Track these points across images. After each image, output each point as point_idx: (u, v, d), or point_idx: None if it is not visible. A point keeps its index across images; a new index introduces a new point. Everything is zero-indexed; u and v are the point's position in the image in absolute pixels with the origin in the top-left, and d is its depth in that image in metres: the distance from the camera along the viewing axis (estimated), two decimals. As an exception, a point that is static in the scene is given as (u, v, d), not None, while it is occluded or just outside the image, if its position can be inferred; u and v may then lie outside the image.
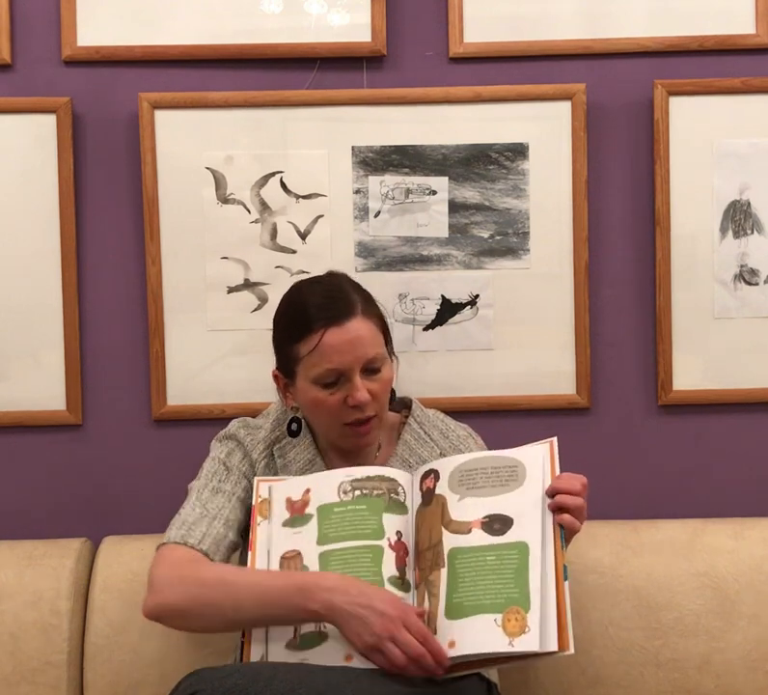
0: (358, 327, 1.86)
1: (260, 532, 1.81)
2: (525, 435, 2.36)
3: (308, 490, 1.82)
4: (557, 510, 1.70)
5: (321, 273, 2.00)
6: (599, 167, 2.34)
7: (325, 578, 1.71)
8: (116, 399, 2.35)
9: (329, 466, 1.95)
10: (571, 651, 1.61)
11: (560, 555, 1.67)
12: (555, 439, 1.80)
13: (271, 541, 1.80)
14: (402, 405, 2.04)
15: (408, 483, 1.83)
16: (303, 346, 1.85)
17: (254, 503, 1.84)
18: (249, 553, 1.80)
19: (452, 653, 1.64)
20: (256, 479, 1.88)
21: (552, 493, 1.72)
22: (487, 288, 2.35)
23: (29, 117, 2.30)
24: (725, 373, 2.36)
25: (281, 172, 2.33)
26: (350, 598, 1.66)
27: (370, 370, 1.87)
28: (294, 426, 1.97)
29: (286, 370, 1.91)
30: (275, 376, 1.95)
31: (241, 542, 1.89)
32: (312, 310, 1.86)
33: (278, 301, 1.97)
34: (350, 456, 1.96)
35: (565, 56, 2.33)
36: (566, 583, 1.65)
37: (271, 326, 1.96)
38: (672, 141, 2.32)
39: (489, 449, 2.04)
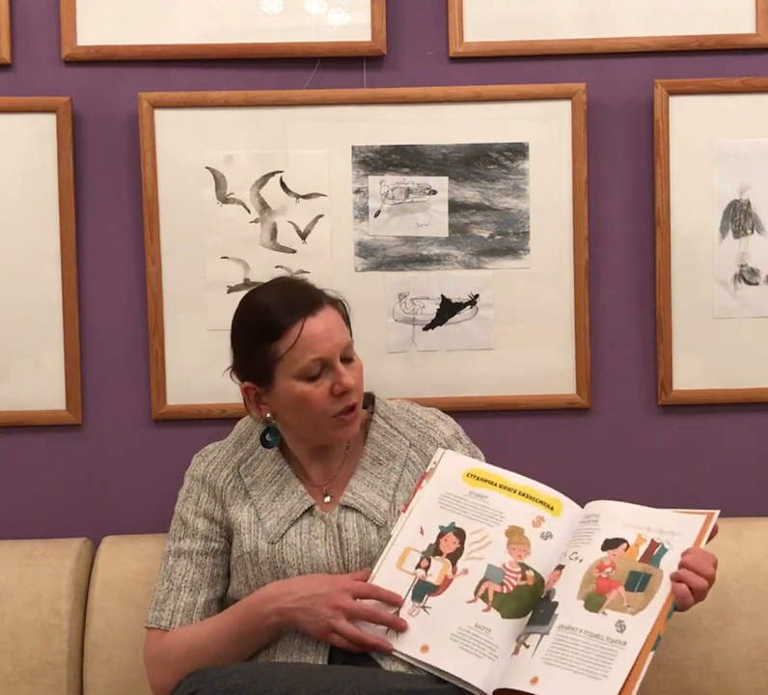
0: (328, 316, 1.87)
1: (417, 497, 1.87)
2: (525, 435, 2.37)
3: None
4: (679, 581, 1.69)
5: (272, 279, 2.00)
6: (599, 167, 2.34)
7: (265, 591, 1.81)
8: (116, 399, 2.35)
9: (297, 475, 1.93)
10: None
11: (660, 622, 1.65)
12: (717, 513, 1.76)
13: (418, 504, 1.86)
14: (369, 400, 2.02)
15: (573, 514, 1.85)
16: (282, 342, 1.83)
17: (427, 470, 1.90)
18: (401, 515, 1.86)
19: (533, 689, 1.64)
20: (439, 450, 1.92)
21: (680, 566, 1.70)
22: (487, 288, 2.35)
23: (29, 117, 2.30)
24: (725, 373, 2.36)
25: (281, 172, 2.33)
26: (294, 596, 1.77)
27: (346, 358, 1.88)
28: (268, 436, 1.94)
29: (261, 376, 1.87)
30: (246, 390, 1.91)
31: (218, 591, 1.93)
32: (281, 306, 1.85)
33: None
34: (321, 457, 1.95)
35: (565, 56, 2.33)
36: (652, 654, 1.63)
37: (230, 342, 1.93)
38: (672, 141, 2.32)
39: (477, 445, 2.04)
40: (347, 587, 1.77)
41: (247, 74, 2.33)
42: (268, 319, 1.85)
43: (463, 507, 1.85)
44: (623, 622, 1.66)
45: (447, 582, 1.78)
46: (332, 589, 1.76)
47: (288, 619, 1.77)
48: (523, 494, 1.85)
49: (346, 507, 1.89)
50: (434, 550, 1.81)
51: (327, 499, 1.91)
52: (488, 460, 2.03)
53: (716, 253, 2.35)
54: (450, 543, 1.81)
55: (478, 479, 1.88)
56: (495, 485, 1.87)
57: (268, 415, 1.92)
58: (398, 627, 1.74)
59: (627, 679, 1.61)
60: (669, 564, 1.71)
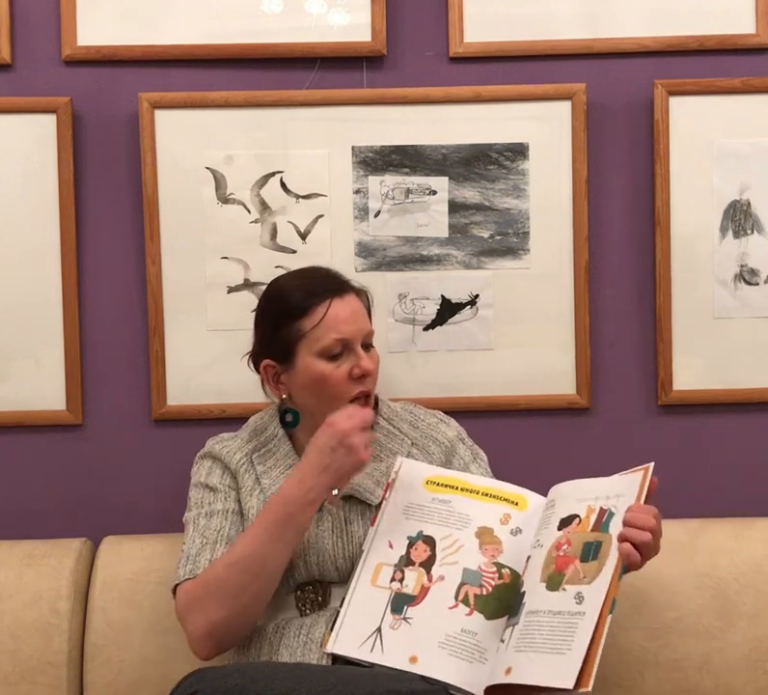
0: (354, 302, 1.94)
1: (381, 512, 1.86)
2: (525, 435, 2.37)
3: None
4: (623, 541, 1.67)
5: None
6: (599, 167, 2.34)
7: (286, 482, 1.83)
8: (116, 399, 2.35)
9: None
10: (589, 689, 1.59)
11: (613, 587, 1.65)
12: (651, 465, 1.75)
13: (383, 518, 1.85)
14: (373, 401, 2.02)
15: (537, 507, 1.84)
16: (307, 320, 1.89)
17: (389, 480, 1.89)
18: (370, 529, 1.85)
19: (507, 679, 1.64)
20: (398, 458, 1.92)
21: (623, 525, 1.69)
22: (487, 288, 2.35)
23: (29, 117, 2.30)
24: (725, 373, 2.36)
25: (281, 172, 2.33)
26: (315, 465, 1.79)
27: (366, 345, 1.93)
28: (289, 416, 1.97)
29: (282, 354, 1.92)
30: (265, 367, 1.95)
31: None
32: (309, 288, 1.92)
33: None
34: None
35: (565, 56, 2.33)
36: (610, 617, 1.62)
37: (254, 321, 1.98)
38: (672, 141, 2.32)
39: (480, 446, 2.05)
40: (344, 429, 1.78)
41: (247, 74, 2.33)
42: (296, 297, 1.91)
43: (428, 514, 1.85)
44: (581, 593, 1.66)
45: (424, 590, 1.77)
46: (336, 436, 1.78)
47: (328, 480, 1.78)
48: (486, 494, 1.85)
49: (348, 497, 1.91)
50: (406, 561, 1.80)
51: (334, 492, 1.92)
52: (489, 460, 2.03)
53: (716, 253, 2.35)
54: (420, 552, 1.81)
55: (438, 485, 1.87)
56: (456, 489, 1.87)
57: (285, 396, 1.95)
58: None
59: (589, 647, 1.60)
60: (617, 527, 1.70)
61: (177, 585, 1.86)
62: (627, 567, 1.67)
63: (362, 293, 1.98)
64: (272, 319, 1.94)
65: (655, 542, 1.69)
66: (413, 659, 1.72)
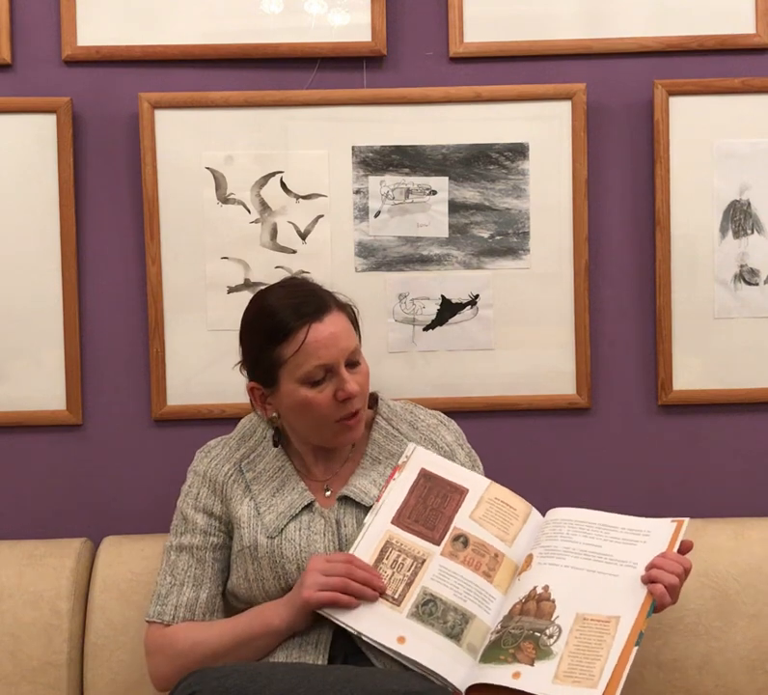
0: (336, 321, 1.87)
1: (388, 489, 1.87)
2: (525, 435, 2.37)
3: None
4: (650, 582, 1.75)
5: (284, 279, 2.01)
6: (599, 167, 2.34)
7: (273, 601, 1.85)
8: (116, 399, 2.35)
9: (298, 472, 1.95)
10: None
11: (640, 620, 1.71)
12: (687, 521, 1.85)
13: (388, 497, 1.86)
14: (373, 400, 2.02)
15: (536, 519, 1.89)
16: (286, 347, 1.84)
17: (398, 463, 1.91)
18: (374, 503, 1.87)
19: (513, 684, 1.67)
20: (410, 445, 1.93)
21: (650, 567, 1.77)
22: (487, 288, 2.35)
23: (29, 117, 2.30)
24: (725, 373, 2.36)
25: (281, 172, 2.33)
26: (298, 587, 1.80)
27: (351, 363, 1.88)
28: (277, 436, 1.96)
29: (266, 378, 1.89)
30: (251, 389, 1.93)
31: (221, 586, 1.94)
32: (289, 310, 1.86)
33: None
34: (325, 456, 1.96)
35: (565, 56, 2.33)
36: (635, 649, 1.68)
37: (239, 335, 1.94)
38: (672, 141, 2.33)
39: (477, 445, 2.04)
40: (326, 558, 1.80)
41: (247, 75, 2.33)
42: (275, 322, 1.86)
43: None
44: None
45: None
46: (312, 567, 1.79)
47: (296, 607, 1.79)
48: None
49: (344, 499, 1.90)
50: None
51: (328, 493, 1.92)
52: (488, 461, 2.03)
53: (716, 253, 2.35)
54: None
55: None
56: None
57: (274, 415, 1.93)
58: (375, 586, 1.76)
59: (612, 676, 1.65)
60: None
61: (147, 620, 1.93)
62: (657, 607, 1.75)
63: (346, 308, 1.92)
64: (252, 342, 1.91)
65: (678, 588, 1.78)
66: (401, 639, 1.73)
